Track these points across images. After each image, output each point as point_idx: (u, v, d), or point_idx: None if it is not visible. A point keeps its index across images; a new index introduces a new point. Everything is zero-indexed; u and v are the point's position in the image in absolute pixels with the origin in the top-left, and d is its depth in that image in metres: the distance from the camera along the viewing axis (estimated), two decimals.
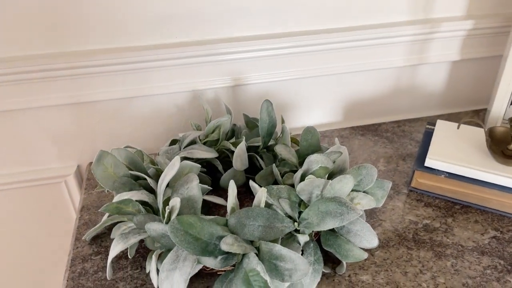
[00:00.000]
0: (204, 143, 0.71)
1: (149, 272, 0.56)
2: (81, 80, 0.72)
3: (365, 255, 0.55)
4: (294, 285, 0.53)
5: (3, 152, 0.77)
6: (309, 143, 0.68)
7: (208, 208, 0.68)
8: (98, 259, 0.60)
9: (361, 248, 0.56)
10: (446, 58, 0.86)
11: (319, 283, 0.56)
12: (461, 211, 0.67)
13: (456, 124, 0.76)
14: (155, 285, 0.52)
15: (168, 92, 0.77)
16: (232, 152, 0.70)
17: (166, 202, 0.57)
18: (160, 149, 0.71)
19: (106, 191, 0.72)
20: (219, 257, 0.52)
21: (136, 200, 0.58)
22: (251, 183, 0.57)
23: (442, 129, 0.75)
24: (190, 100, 0.79)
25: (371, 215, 0.66)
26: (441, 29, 0.81)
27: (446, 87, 0.91)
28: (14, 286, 0.94)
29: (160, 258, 0.54)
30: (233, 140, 0.75)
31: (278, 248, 0.50)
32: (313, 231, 0.56)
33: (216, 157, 0.71)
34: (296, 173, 0.61)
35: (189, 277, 0.49)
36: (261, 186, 0.67)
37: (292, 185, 0.63)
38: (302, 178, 0.60)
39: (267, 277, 0.47)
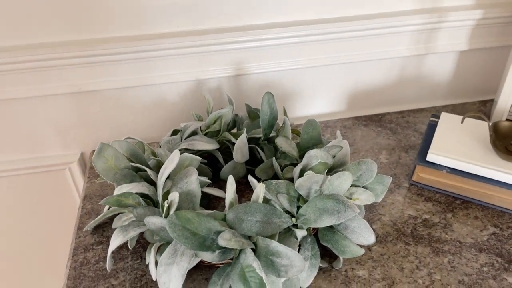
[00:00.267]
0: (206, 134, 0.72)
1: (148, 264, 0.57)
2: (82, 69, 0.72)
3: (362, 251, 0.55)
4: (290, 280, 0.54)
5: (8, 139, 0.78)
6: (310, 136, 0.67)
7: (209, 200, 0.69)
8: (100, 249, 0.61)
9: (358, 244, 0.56)
10: (453, 48, 0.84)
11: (315, 277, 0.56)
12: (461, 207, 0.67)
13: (460, 117, 0.75)
14: (153, 278, 0.53)
15: (170, 81, 0.77)
16: (233, 143, 0.70)
17: (165, 195, 0.57)
18: (162, 139, 0.71)
19: (108, 181, 0.73)
20: (217, 252, 0.52)
21: (136, 193, 0.58)
22: (250, 178, 0.57)
23: (446, 122, 0.74)
24: (193, 90, 0.79)
25: (370, 209, 0.66)
26: (449, 18, 0.79)
27: (453, 77, 0.90)
28: (18, 272, 0.96)
29: (159, 250, 0.55)
30: (234, 130, 0.76)
31: (274, 244, 0.50)
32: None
33: (217, 148, 0.71)
34: (295, 168, 0.61)
35: (187, 272, 0.49)
36: (260, 180, 0.68)
37: (292, 179, 0.63)
38: (301, 173, 0.60)
39: (262, 274, 0.48)
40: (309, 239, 0.57)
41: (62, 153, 0.82)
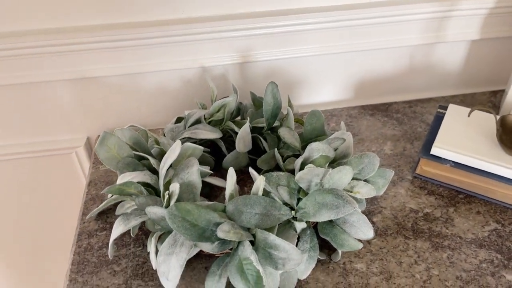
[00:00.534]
0: (209, 122, 0.72)
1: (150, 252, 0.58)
2: (86, 55, 0.72)
3: (360, 245, 0.56)
4: (288, 272, 0.54)
5: (15, 123, 0.79)
6: (313, 127, 0.67)
7: (211, 188, 0.69)
8: (103, 235, 0.62)
9: (356, 238, 0.56)
10: (465, 37, 0.82)
11: (314, 269, 0.57)
12: (464, 201, 0.66)
13: (468, 110, 0.73)
14: (153, 266, 0.54)
15: (175, 68, 0.76)
16: (236, 132, 0.70)
17: (167, 184, 0.58)
18: (166, 126, 0.71)
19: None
20: (216, 242, 0.53)
21: (139, 182, 0.59)
22: (251, 170, 0.57)
23: (453, 114, 0.73)
24: (198, 77, 0.79)
25: (372, 202, 0.66)
26: (461, 7, 0.77)
27: (464, 66, 0.88)
28: (24, 255, 0.99)
29: (160, 239, 0.56)
30: (238, 118, 0.75)
31: (272, 237, 0.51)
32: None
33: (221, 137, 0.71)
34: (296, 160, 0.61)
35: (185, 262, 0.50)
36: (261, 171, 0.68)
37: (294, 170, 0.63)
38: (303, 166, 0.60)
39: (259, 267, 0.49)
40: (308, 232, 0.58)
41: (69, 137, 0.83)
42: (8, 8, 0.66)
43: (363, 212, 0.64)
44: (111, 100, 0.79)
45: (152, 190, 0.60)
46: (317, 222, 0.60)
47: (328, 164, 0.59)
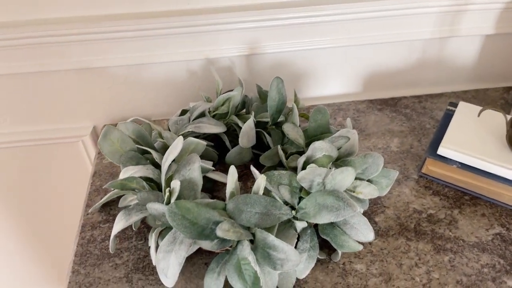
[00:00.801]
0: (214, 116, 0.71)
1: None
2: (92, 45, 0.72)
3: (360, 247, 0.55)
4: (287, 272, 0.54)
5: (22, 111, 0.80)
6: (318, 124, 0.66)
7: (213, 183, 0.69)
8: (106, 227, 0.63)
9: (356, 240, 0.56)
10: (479, 32, 0.79)
11: (313, 268, 0.57)
12: (469, 203, 0.65)
13: (479, 108, 0.72)
14: (153, 262, 0.54)
15: (181, 60, 0.76)
16: (240, 127, 0.69)
17: (169, 179, 0.58)
18: (170, 119, 0.71)
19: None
20: (216, 240, 0.53)
21: (141, 177, 0.59)
22: (252, 168, 0.57)
23: (463, 112, 0.71)
24: (204, 68, 0.78)
25: (375, 201, 0.66)
26: (477, 0, 0.74)
27: (477, 61, 0.85)
28: (30, 241, 1.01)
29: (161, 235, 0.57)
30: (243, 111, 0.75)
31: (271, 238, 0.51)
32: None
33: (225, 131, 0.70)
34: (299, 158, 0.61)
35: (184, 260, 0.51)
36: (263, 168, 0.68)
37: (297, 168, 0.63)
38: (305, 165, 0.59)
39: (257, 268, 0.49)
40: (309, 231, 0.57)
41: (75, 126, 0.84)
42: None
43: (366, 212, 0.64)
44: (117, 91, 0.79)
45: (154, 185, 0.60)
46: None
47: (331, 162, 0.59)
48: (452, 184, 0.67)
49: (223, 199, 0.64)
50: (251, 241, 0.53)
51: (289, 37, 0.76)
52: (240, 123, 0.68)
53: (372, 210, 0.64)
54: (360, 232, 0.55)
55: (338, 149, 0.61)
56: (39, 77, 0.75)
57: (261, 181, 0.55)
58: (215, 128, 0.68)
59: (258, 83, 0.78)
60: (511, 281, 0.55)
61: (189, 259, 0.59)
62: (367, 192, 0.59)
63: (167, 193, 0.54)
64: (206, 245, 0.53)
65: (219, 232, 0.51)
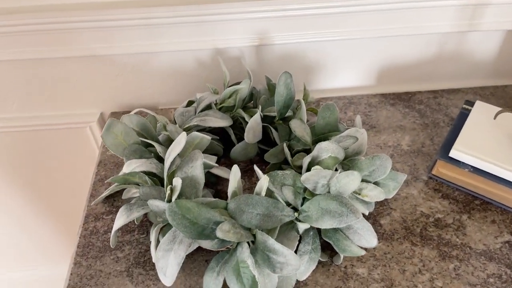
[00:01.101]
0: (220, 108, 0.70)
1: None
2: (99, 33, 0.70)
3: (363, 252, 0.54)
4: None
5: (30, 96, 0.80)
6: (326, 122, 0.64)
7: (217, 177, 0.68)
8: (109, 219, 0.63)
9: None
10: (500, 27, 0.75)
11: (314, 270, 0.56)
12: (479, 208, 0.63)
13: (496, 108, 0.69)
14: (153, 259, 0.54)
15: (188, 49, 0.74)
16: (247, 121, 0.68)
17: (171, 176, 0.58)
18: (176, 109, 0.70)
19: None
20: (216, 239, 0.53)
21: (144, 171, 0.59)
22: (256, 168, 0.56)
23: (479, 112, 0.69)
24: (212, 58, 0.76)
25: (381, 202, 0.64)
26: None
27: (497, 57, 0.81)
28: (37, 223, 1.03)
29: (162, 231, 0.56)
30: (251, 104, 0.73)
31: (271, 242, 0.50)
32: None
33: (231, 124, 0.69)
34: (304, 158, 0.59)
35: (183, 260, 0.50)
36: (268, 164, 0.66)
37: (302, 166, 0.61)
38: (310, 165, 0.58)
39: (255, 272, 0.48)
40: (311, 233, 0.56)
41: (83, 112, 0.83)
42: None
43: (371, 213, 0.63)
44: (124, 78, 0.78)
45: (157, 180, 0.60)
46: None
47: (335, 167, 0.57)
48: (462, 188, 0.65)
49: (227, 194, 0.63)
50: (252, 242, 0.52)
51: (300, 28, 0.73)
52: (246, 118, 0.67)
53: (378, 212, 0.63)
54: (364, 238, 0.54)
55: (345, 149, 0.60)
56: (47, 63, 0.75)
57: (263, 181, 0.54)
58: (221, 121, 0.67)
59: (267, 75, 0.76)
60: None
61: (190, 256, 0.58)
62: (373, 195, 0.58)
63: (168, 191, 0.53)
64: (206, 244, 0.53)
65: (219, 233, 0.50)
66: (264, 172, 0.68)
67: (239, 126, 0.71)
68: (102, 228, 0.62)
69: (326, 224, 0.51)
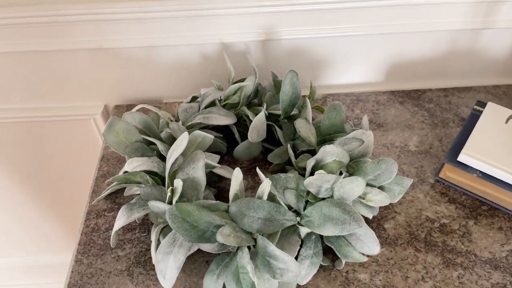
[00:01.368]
0: (224, 105, 0.69)
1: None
2: (104, 26, 0.69)
3: (365, 259, 0.54)
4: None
5: (34, 88, 0.79)
6: (332, 123, 0.63)
7: (220, 175, 0.68)
8: (111, 216, 0.63)
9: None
10: None
11: (315, 275, 0.56)
12: (487, 214, 0.62)
13: (509, 111, 0.67)
14: (153, 261, 0.54)
15: (194, 43, 0.72)
16: (251, 120, 0.66)
17: (173, 176, 0.57)
18: (180, 105, 0.69)
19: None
20: (216, 243, 0.52)
21: (145, 171, 0.58)
22: (258, 171, 0.55)
23: (491, 114, 0.67)
24: (217, 53, 0.75)
25: (386, 205, 0.63)
26: None
27: (511, 54, 0.79)
28: (40, 215, 1.03)
29: (163, 232, 0.56)
30: (256, 101, 0.72)
31: (272, 248, 0.49)
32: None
33: (235, 122, 0.68)
34: (308, 160, 0.58)
35: (182, 264, 0.50)
36: (269, 167, 0.65)
37: (305, 168, 0.60)
38: (314, 169, 0.57)
39: (255, 279, 0.48)
40: (313, 237, 0.56)
41: (87, 104, 0.83)
42: None
43: (375, 217, 0.62)
44: (129, 71, 0.77)
45: (159, 179, 0.59)
46: None
47: (340, 171, 0.56)
48: (470, 192, 0.64)
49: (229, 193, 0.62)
50: (254, 245, 0.52)
51: (308, 23, 0.71)
52: (251, 116, 0.65)
53: (382, 216, 0.62)
54: (366, 245, 0.53)
55: (350, 152, 0.58)
56: (51, 55, 0.74)
57: (266, 185, 0.53)
58: (224, 119, 0.66)
59: (274, 70, 0.74)
60: None
61: (190, 256, 0.58)
62: (378, 199, 0.57)
63: (169, 193, 0.53)
64: (207, 247, 0.53)
65: (220, 237, 0.50)
66: (267, 172, 0.68)
67: (243, 123, 0.70)
68: (104, 226, 0.62)
69: (328, 231, 0.50)
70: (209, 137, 0.62)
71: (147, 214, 0.63)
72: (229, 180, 0.67)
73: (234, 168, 0.64)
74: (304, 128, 0.63)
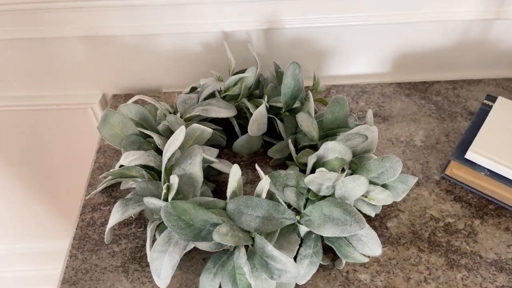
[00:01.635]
0: (224, 97, 0.66)
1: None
2: (101, 13, 0.67)
3: (366, 259, 0.52)
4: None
5: (31, 76, 0.77)
6: (335, 117, 0.61)
7: (219, 170, 0.66)
8: (107, 210, 0.62)
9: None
10: None
11: (314, 274, 0.54)
12: (493, 213, 0.60)
13: None
14: (148, 258, 0.53)
15: (194, 31, 0.70)
16: (251, 112, 0.64)
17: (169, 171, 0.55)
18: (179, 96, 0.67)
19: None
20: (213, 241, 0.51)
21: (141, 165, 0.56)
22: (257, 167, 0.53)
23: (501, 109, 0.64)
24: (218, 42, 0.72)
25: (390, 203, 0.61)
26: None
27: None
28: (36, 202, 1.02)
29: (158, 229, 0.54)
30: (257, 92, 0.69)
31: (270, 248, 0.48)
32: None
33: (235, 115, 0.66)
34: (310, 157, 0.56)
35: (177, 263, 0.49)
36: (270, 162, 0.63)
37: (306, 164, 0.58)
38: (315, 166, 0.55)
39: (252, 281, 0.46)
40: (313, 236, 0.54)
41: (84, 93, 0.81)
42: None
43: (378, 215, 0.60)
44: (126, 60, 0.75)
45: (155, 173, 0.57)
46: None
47: (341, 169, 0.54)
48: (477, 191, 0.62)
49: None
50: (251, 244, 0.50)
51: (312, 12, 0.68)
52: (251, 109, 0.63)
53: (385, 214, 0.60)
54: (367, 246, 0.51)
55: (353, 148, 0.56)
56: (47, 43, 0.72)
57: (264, 183, 0.51)
58: (224, 111, 0.64)
59: (276, 60, 0.72)
60: None
61: (187, 253, 0.57)
62: (381, 198, 0.55)
63: (164, 190, 0.51)
64: (203, 246, 0.51)
65: (216, 236, 0.48)
66: (267, 166, 0.66)
67: (243, 116, 0.67)
68: (99, 220, 0.61)
69: (328, 232, 0.49)
70: (208, 130, 0.60)
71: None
72: (228, 174, 0.66)
73: (233, 163, 0.63)
74: (306, 122, 0.60)
